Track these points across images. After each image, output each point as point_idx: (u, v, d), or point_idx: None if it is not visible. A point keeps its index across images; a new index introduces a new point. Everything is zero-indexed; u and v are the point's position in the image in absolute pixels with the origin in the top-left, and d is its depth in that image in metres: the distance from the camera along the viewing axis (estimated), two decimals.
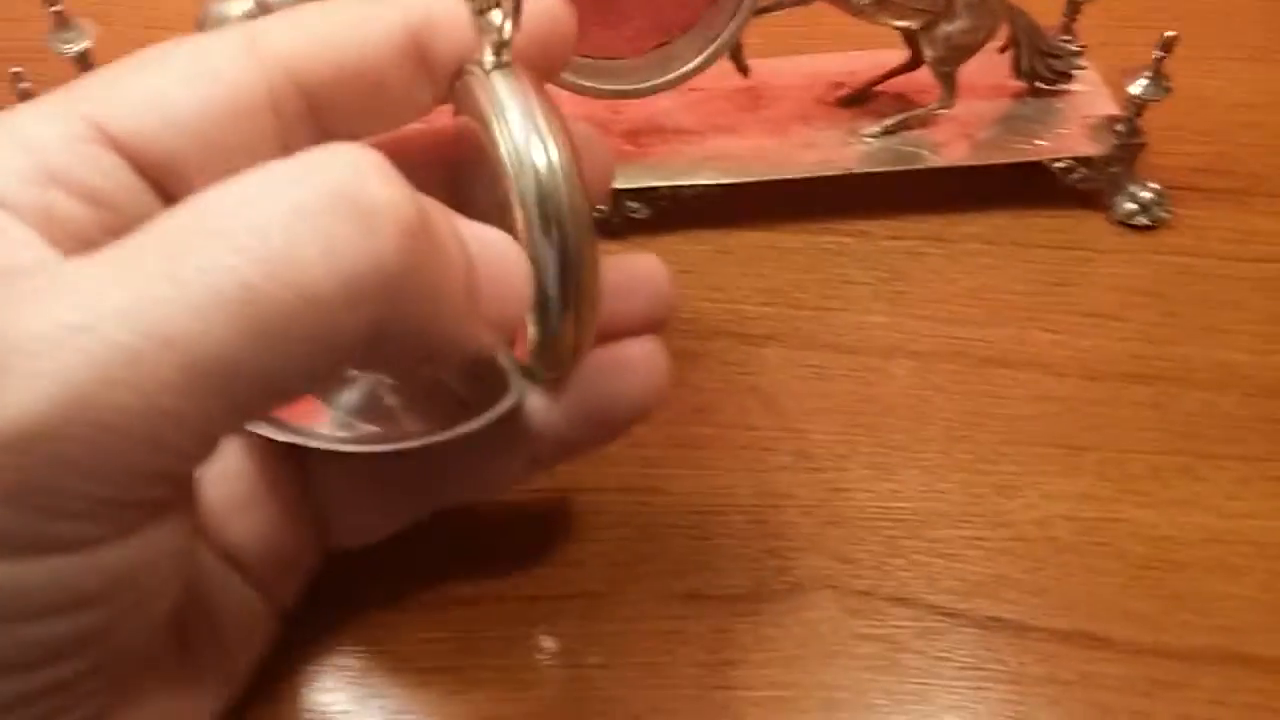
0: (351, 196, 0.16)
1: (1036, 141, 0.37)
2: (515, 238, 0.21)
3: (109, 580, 0.17)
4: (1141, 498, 0.30)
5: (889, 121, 0.37)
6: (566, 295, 0.21)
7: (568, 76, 0.33)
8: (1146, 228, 0.37)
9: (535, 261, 0.21)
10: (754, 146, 0.36)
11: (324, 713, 0.25)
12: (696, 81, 0.34)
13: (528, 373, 0.24)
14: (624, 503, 0.30)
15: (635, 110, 0.37)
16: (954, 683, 0.27)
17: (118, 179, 0.19)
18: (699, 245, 0.36)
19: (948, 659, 0.27)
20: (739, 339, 0.33)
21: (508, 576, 0.28)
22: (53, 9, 0.32)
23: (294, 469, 0.25)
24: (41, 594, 0.16)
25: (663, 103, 0.36)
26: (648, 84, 0.33)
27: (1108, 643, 0.28)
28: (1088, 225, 0.38)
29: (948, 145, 0.37)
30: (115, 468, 0.16)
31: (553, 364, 0.23)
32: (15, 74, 0.32)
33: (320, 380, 0.18)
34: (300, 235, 0.16)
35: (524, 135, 0.20)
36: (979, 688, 0.27)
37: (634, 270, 0.25)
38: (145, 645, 0.19)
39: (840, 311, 0.34)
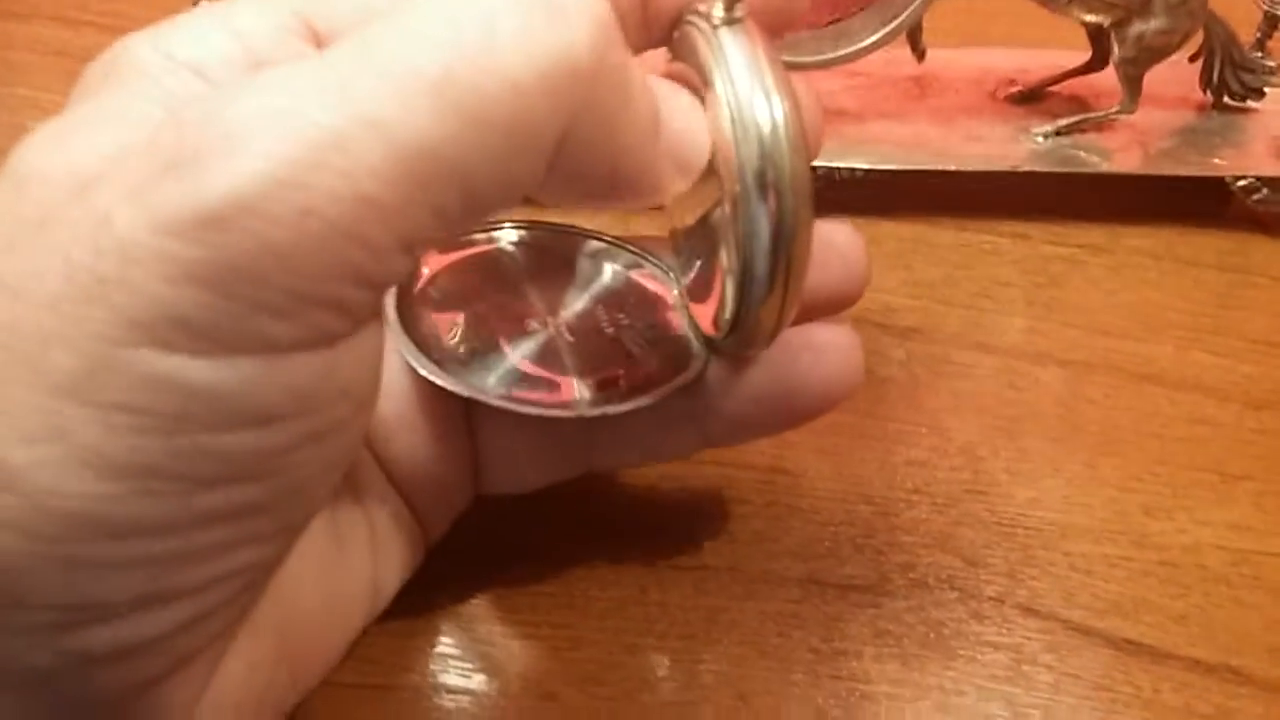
0: None
1: (1216, 158, 0.35)
2: (723, 204, 0.20)
3: (297, 396, 0.17)
4: None
5: (1064, 121, 0.35)
6: (776, 268, 0.20)
7: None
8: None
9: (747, 230, 0.20)
10: (916, 134, 0.35)
11: (437, 653, 0.25)
12: (863, 66, 0.34)
13: (713, 345, 0.23)
14: (750, 480, 0.29)
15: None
16: (1082, 701, 0.25)
17: None
18: None
19: (1078, 677, 0.26)
20: (882, 329, 0.33)
21: (623, 541, 0.28)
22: None
23: (458, 403, 0.24)
24: (232, 400, 0.16)
25: (827, 83, 0.36)
26: (819, 57, 0.32)
27: (1250, 679, 0.26)
28: (1261, 249, 0.36)
29: (1121, 152, 0.35)
30: (317, 259, 0.16)
31: (748, 341, 0.22)
32: None
33: (516, 185, 0.17)
34: (496, 26, 0.16)
35: (749, 92, 0.19)
36: (1109, 711, 0.25)
37: (830, 239, 0.24)
38: (318, 499, 0.19)
39: (990, 312, 0.33)
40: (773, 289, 0.20)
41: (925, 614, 0.27)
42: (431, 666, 0.25)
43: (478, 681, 0.25)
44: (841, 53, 0.32)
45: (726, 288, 0.21)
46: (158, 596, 0.17)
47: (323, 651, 0.23)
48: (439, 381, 0.23)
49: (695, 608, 0.26)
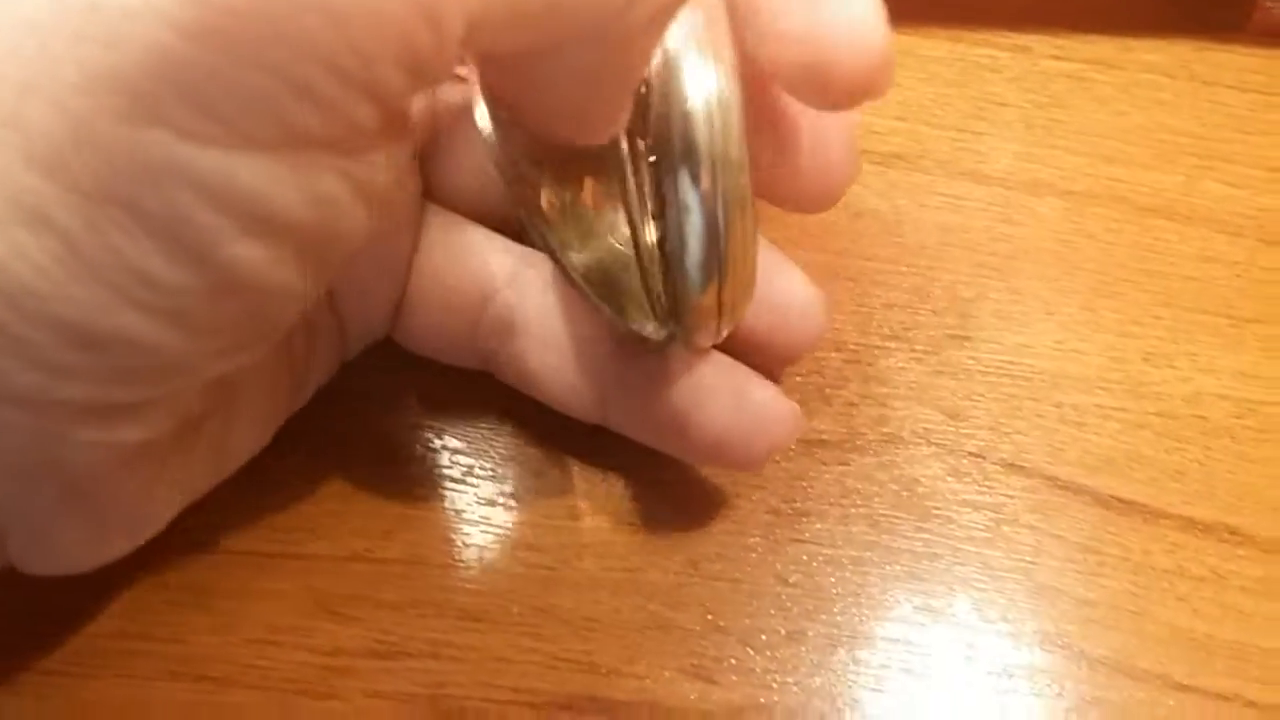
0: None
1: None
2: (638, 187, 0.18)
3: (316, 202, 0.14)
4: None
5: None
6: (710, 264, 0.17)
7: None
8: None
9: (678, 218, 0.17)
10: None
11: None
12: None
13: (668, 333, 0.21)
14: None
15: None
16: (1065, 564, 0.23)
17: None
18: None
19: (1061, 538, 0.24)
20: (862, 155, 0.29)
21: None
22: None
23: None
24: (243, 205, 0.14)
25: None
26: None
27: (1249, 539, 0.24)
28: None
29: None
30: (373, 23, 0.13)
31: (693, 340, 0.20)
32: None
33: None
34: None
35: (687, 60, 0.16)
36: (1093, 573, 0.23)
37: (788, 301, 0.22)
38: (302, 311, 0.17)
39: (985, 135, 0.30)
40: (708, 286, 0.18)
41: (897, 470, 0.24)
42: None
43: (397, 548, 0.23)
44: None
45: (653, 265, 0.19)
46: (130, 406, 0.16)
47: (255, 439, 0.21)
48: None
49: (640, 465, 0.24)
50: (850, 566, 0.23)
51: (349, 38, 0.13)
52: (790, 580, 0.23)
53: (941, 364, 0.26)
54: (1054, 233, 0.28)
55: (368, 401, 0.24)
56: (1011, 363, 0.26)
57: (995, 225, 0.28)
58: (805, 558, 0.23)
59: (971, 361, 0.26)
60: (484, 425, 0.24)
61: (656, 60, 0.16)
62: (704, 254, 0.17)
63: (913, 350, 0.26)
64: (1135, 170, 0.29)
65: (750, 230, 0.18)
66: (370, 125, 0.14)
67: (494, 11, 0.14)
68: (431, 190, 0.22)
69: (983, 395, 0.25)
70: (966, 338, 0.26)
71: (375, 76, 0.13)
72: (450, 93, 0.22)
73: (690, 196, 0.17)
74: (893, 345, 0.26)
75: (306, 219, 0.14)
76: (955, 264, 0.27)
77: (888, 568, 0.23)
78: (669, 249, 0.18)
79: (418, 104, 0.16)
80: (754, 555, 0.23)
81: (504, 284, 0.22)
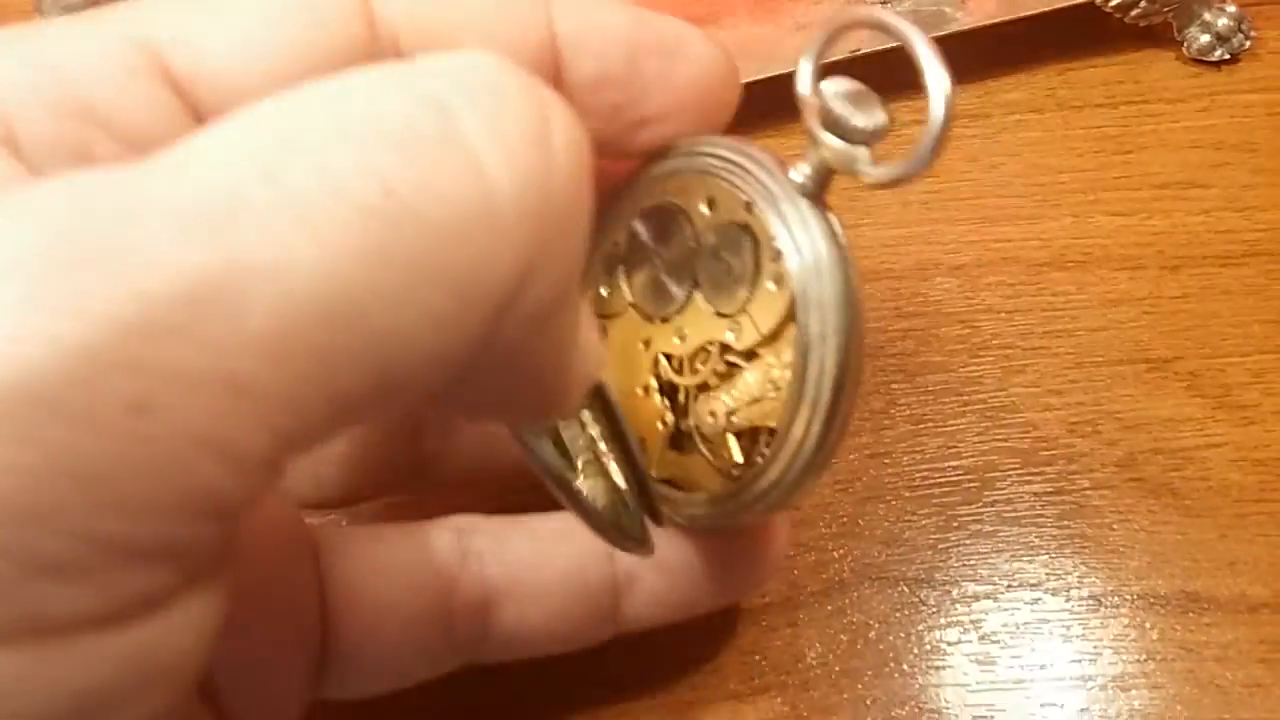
0: (510, 94, 0.12)
1: None
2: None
3: (85, 699, 0.11)
4: (1244, 413, 0.25)
5: None
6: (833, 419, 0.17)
7: None
8: (1226, 62, 0.31)
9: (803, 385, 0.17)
10: (741, 40, 0.30)
11: None
12: None
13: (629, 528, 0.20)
14: None
15: None
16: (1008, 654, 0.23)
17: (172, 122, 0.15)
18: None
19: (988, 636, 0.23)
20: None
21: None
22: None
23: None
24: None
25: None
26: None
27: (1214, 603, 0.23)
28: (1153, 71, 0.31)
29: (972, 1, 0.30)
30: (146, 480, 0.10)
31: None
32: None
33: (444, 364, 0.12)
34: (458, 128, 0.12)
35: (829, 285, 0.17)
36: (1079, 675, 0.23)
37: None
38: None
39: (860, 227, 0.29)
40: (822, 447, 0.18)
41: (847, 619, 0.24)
42: None
43: None
44: None
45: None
46: None
47: None
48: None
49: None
50: None
51: (111, 498, 0.10)
52: None
53: (868, 490, 0.25)
54: (951, 315, 0.27)
55: None
56: (937, 470, 0.25)
57: (891, 323, 0.27)
58: None
59: (895, 479, 0.25)
60: None
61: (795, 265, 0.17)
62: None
63: (835, 481, 0.25)
64: (1021, 225, 0.29)
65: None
66: (161, 585, 0.11)
67: (310, 414, 0.11)
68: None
69: (913, 514, 0.25)
70: (886, 454, 0.25)
71: (156, 533, 0.11)
72: None
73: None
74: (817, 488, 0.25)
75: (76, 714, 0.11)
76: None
77: None
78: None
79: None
80: None
81: (459, 562, 0.19)
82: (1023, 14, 0.30)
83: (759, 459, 0.18)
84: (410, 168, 0.11)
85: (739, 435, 0.19)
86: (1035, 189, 0.29)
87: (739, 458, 0.19)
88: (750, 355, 0.18)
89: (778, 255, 0.17)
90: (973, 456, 0.25)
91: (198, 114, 0.15)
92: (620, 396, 0.20)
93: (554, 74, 0.17)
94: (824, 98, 0.17)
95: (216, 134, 0.12)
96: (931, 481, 0.25)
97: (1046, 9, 0.30)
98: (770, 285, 0.18)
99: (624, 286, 0.20)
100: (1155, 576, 0.24)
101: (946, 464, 0.25)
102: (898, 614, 0.23)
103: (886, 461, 0.25)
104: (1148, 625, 0.23)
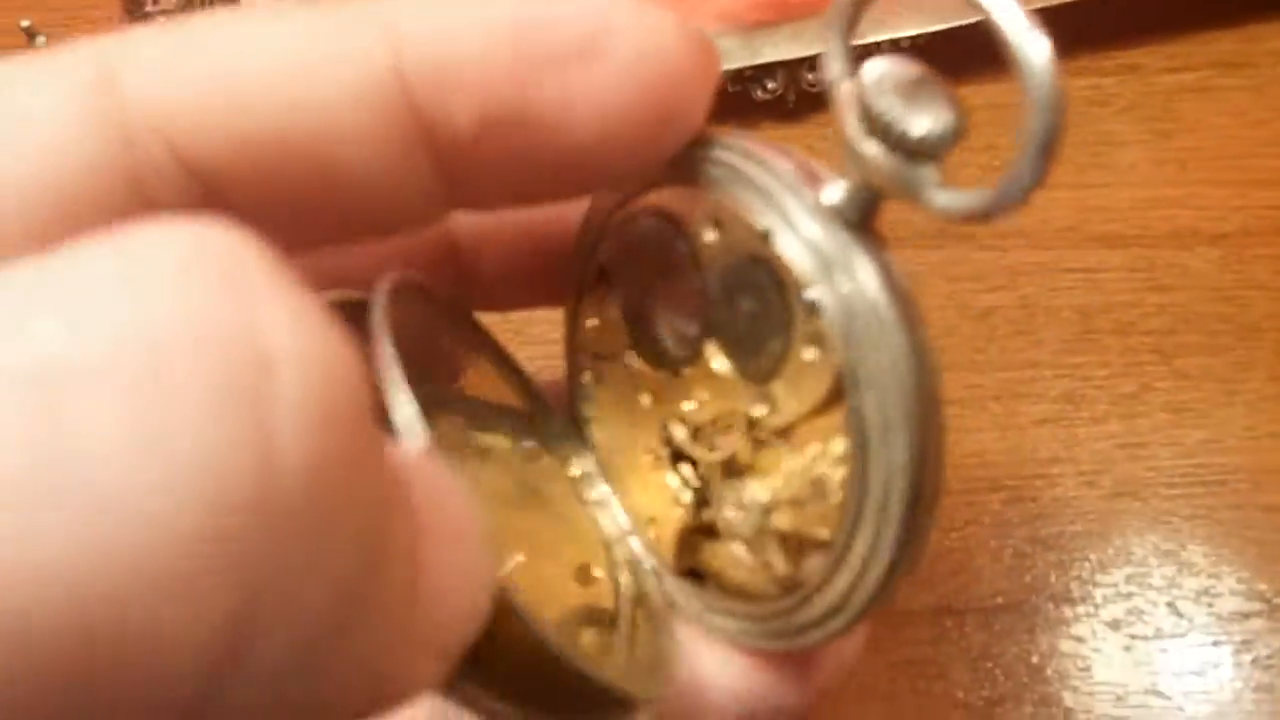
0: (215, 327, 0.08)
1: None
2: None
3: None
4: None
5: None
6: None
7: None
8: None
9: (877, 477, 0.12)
10: None
11: None
12: None
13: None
14: None
15: None
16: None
17: None
18: None
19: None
20: (967, 241, 0.26)
21: None
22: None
23: None
24: None
25: None
26: None
27: None
28: None
29: None
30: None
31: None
32: None
33: None
34: (104, 416, 0.07)
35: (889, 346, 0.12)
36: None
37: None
38: None
39: (1107, 187, 0.26)
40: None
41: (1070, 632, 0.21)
42: None
43: None
44: None
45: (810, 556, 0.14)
46: None
47: None
48: None
49: None
50: None
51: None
52: None
53: (1117, 485, 0.22)
54: (1213, 290, 0.24)
55: None
56: (1200, 466, 0.22)
57: (1144, 296, 0.24)
58: None
59: (1150, 473, 0.22)
60: None
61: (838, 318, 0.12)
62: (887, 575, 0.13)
63: (1080, 473, 0.22)
64: None
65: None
66: None
67: None
68: None
69: (1171, 516, 0.22)
70: (1140, 445, 0.22)
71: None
72: None
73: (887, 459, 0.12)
74: (1055, 471, 0.22)
75: None
76: (1106, 354, 0.24)
77: None
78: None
79: None
80: None
81: None
82: None
83: (812, 575, 0.13)
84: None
85: (783, 539, 0.14)
86: None
87: (783, 568, 0.14)
88: (786, 432, 0.14)
89: (812, 309, 0.12)
90: (1242, 454, 0.22)
91: None
92: (620, 459, 0.15)
93: (415, 138, 0.12)
94: (864, 89, 0.11)
95: None
96: (1193, 479, 0.22)
97: None
98: (807, 353, 0.13)
99: (620, 323, 0.15)
100: None
101: (1211, 460, 0.22)
102: (1151, 630, 0.21)
103: (1141, 454, 0.22)
104: None
